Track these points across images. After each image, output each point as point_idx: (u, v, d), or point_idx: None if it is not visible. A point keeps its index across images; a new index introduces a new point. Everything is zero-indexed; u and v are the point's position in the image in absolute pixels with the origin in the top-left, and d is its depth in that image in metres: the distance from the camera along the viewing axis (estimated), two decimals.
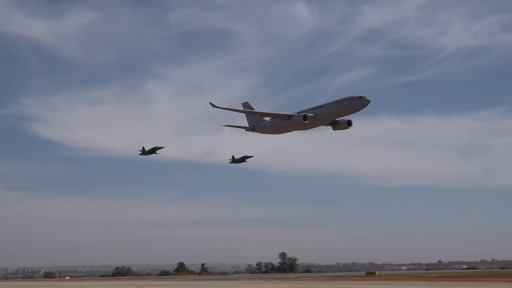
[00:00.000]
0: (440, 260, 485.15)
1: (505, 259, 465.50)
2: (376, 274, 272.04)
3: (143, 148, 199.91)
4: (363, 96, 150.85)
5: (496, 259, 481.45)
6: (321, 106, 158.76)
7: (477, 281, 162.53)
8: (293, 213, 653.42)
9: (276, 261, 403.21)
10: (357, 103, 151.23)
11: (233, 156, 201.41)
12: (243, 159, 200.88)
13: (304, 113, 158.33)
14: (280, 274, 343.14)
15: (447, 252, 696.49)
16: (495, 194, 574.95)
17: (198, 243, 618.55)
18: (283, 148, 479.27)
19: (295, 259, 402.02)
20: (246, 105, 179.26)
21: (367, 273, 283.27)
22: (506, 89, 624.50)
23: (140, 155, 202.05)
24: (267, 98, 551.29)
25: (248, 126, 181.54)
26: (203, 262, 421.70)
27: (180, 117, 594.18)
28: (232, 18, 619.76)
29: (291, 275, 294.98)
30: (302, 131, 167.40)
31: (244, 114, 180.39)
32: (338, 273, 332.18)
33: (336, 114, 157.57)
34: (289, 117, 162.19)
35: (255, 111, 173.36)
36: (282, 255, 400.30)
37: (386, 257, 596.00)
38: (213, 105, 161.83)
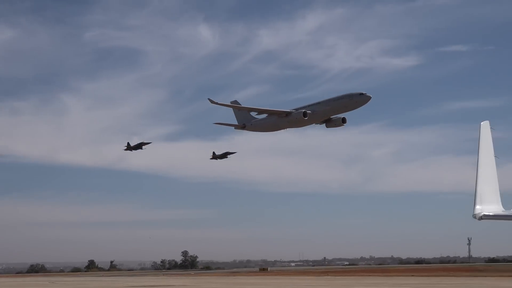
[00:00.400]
0: (325, 257, 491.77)
1: (381, 256, 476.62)
2: (268, 270, 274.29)
3: (128, 143, 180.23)
4: (363, 92, 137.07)
5: (374, 256, 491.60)
6: (318, 103, 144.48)
7: (357, 275, 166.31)
8: (195, 215, 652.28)
9: (178, 258, 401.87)
10: (357, 100, 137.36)
11: (213, 153, 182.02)
12: (224, 155, 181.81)
13: (303, 110, 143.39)
14: (182, 270, 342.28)
15: (331, 250, 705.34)
16: (372, 198, 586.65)
17: (107, 242, 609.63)
18: (186, 156, 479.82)
19: (196, 257, 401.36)
20: (234, 103, 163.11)
21: (260, 269, 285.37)
22: (383, 106, 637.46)
23: (125, 151, 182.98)
24: (172, 111, 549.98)
25: (237, 124, 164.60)
26: (112, 260, 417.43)
27: (93, 127, 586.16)
28: (142, 38, 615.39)
29: (192, 271, 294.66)
30: (295, 128, 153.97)
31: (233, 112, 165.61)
32: (234, 269, 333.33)
33: (334, 111, 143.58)
34: (287, 114, 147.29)
35: (253, 107, 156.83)
36: (184, 253, 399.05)
37: (278, 254, 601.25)
38: (212, 101, 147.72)
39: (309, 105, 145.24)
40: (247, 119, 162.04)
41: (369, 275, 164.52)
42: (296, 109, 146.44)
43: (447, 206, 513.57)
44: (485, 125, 30.16)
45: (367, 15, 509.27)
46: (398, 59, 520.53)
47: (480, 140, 29.03)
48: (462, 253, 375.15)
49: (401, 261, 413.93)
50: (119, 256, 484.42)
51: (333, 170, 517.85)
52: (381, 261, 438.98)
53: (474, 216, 26.35)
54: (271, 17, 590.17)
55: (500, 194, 27.82)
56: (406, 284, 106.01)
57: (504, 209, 26.31)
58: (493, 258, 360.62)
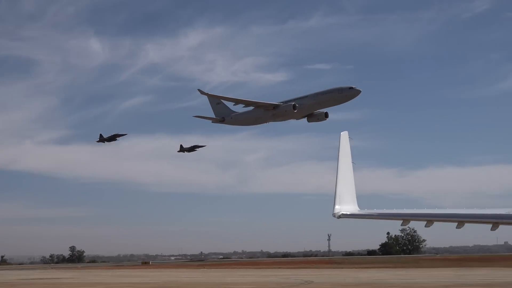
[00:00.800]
0: (201, 252, 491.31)
1: (252, 250, 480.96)
2: (150, 263, 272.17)
3: (101, 135, 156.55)
4: (353, 86, 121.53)
5: (245, 251, 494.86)
6: (306, 96, 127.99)
7: (230, 268, 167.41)
8: (82, 213, 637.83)
9: (66, 253, 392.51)
10: (347, 94, 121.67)
11: (181, 146, 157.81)
12: (193, 148, 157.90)
13: (293, 103, 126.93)
14: (70, 264, 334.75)
15: (207, 245, 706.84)
16: (245, 199, 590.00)
17: None
18: (75, 158, 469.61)
19: (83, 252, 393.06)
20: (212, 97, 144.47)
21: (142, 263, 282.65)
22: None
23: (97, 142, 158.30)
24: (63, 117, 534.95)
25: (215, 117, 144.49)
26: (3, 255, 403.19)
27: None
28: (36, 49, 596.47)
29: (79, 265, 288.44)
30: (275, 122, 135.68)
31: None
32: (119, 263, 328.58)
33: (322, 105, 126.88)
34: (275, 106, 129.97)
35: (241, 99, 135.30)
36: (72, 248, 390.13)
37: (159, 249, 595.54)
38: (202, 92, 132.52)
39: (296, 99, 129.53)
40: (226, 113, 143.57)
41: (241, 268, 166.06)
42: (284, 102, 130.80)
43: (310, 206, 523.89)
44: (344, 135, 31.15)
45: (243, 35, 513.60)
46: (270, 74, 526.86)
47: (340, 148, 29.95)
48: (323, 247, 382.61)
49: (269, 255, 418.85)
50: (10, 251, 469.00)
51: (210, 173, 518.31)
52: (252, 255, 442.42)
53: (334, 215, 27.14)
54: (156, 34, 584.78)
55: (356, 195, 28.84)
56: (274, 275, 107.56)
57: (359, 209, 27.30)
58: (349, 252, 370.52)
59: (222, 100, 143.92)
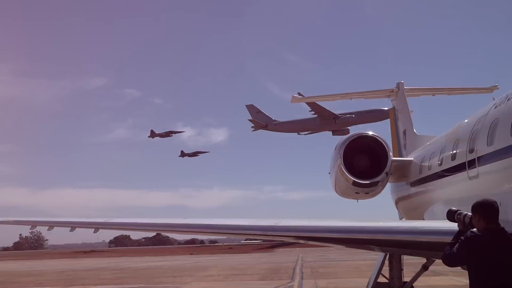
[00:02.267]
0: None
1: None
2: None
3: (152, 131, 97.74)
4: (386, 108, 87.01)
5: None
6: (350, 113, 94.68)
7: None
8: None
9: None
10: (386, 113, 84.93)
11: (182, 151, 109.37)
12: (195, 153, 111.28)
13: (353, 115, 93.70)
14: None
15: None
16: None
17: None
18: None
19: None
20: (251, 107, 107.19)
21: None
22: None
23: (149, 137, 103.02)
24: None
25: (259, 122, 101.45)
26: None
27: None
28: None
29: None
30: (315, 133, 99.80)
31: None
32: None
33: (362, 121, 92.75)
34: (335, 117, 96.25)
35: (319, 105, 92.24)
36: None
37: None
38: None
39: (343, 113, 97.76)
40: (266, 120, 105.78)
41: None
42: (343, 114, 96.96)
43: None
44: None
45: None
46: None
47: None
48: None
49: None
50: None
51: None
52: None
53: None
54: None
55: None
56: None
57: None
58: None
59: (261, 110, 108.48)
